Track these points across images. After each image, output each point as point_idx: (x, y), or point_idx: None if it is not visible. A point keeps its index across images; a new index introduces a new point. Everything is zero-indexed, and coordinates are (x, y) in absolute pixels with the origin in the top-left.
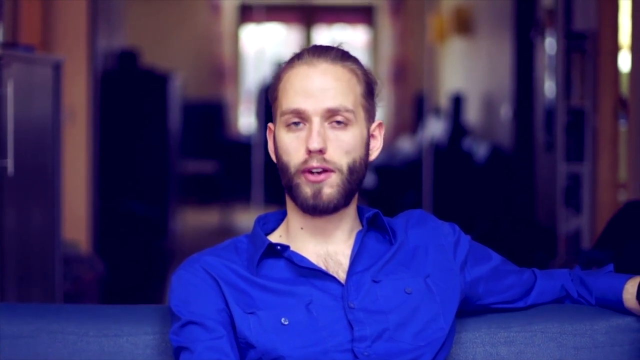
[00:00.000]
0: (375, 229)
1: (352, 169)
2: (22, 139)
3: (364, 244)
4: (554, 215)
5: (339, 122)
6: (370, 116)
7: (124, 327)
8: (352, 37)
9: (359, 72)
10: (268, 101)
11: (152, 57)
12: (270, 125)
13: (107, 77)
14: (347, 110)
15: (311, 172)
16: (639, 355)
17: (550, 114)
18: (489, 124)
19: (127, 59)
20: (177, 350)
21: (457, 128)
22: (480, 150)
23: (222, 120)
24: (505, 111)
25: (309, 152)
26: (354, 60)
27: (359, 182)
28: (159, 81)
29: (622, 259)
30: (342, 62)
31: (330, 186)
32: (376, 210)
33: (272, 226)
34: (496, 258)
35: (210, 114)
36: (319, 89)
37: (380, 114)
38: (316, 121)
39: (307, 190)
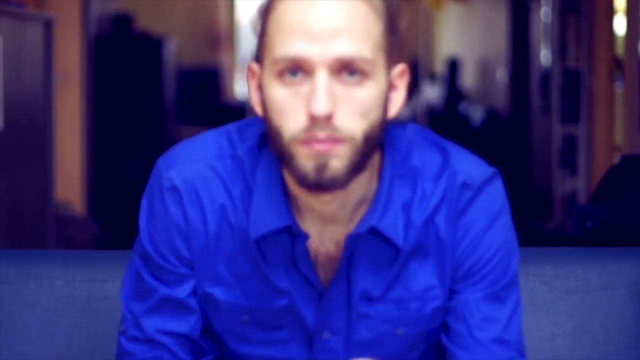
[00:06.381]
0: None
1: (367, 137)
2: (13, 95)
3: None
4: (550, 178)
5: (351, 73)
6: (390, 61)
7: (112, 272)
8: None
9: (378, 4)
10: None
11: (146, 21)
12: (252, 66)
13: (101, 41)
14: (365, 60)
15: (315, 141)
16: (632, 298)
17: (545, 78)
18: (485, 88)
19: (121, 22)
20: None
21: (453, 92)
22: (476, 114)
23: (218, 86)
24: (501, 75)
25: (313, 117)
26: None
27: (375, 148)
28: (153, 45)
29: (618, 214)
30: None
31: (338, 158)
32: None
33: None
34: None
35: (206, 80)
36: (326, 29)
37: None
38: (322, 75)
39: (307, 163)
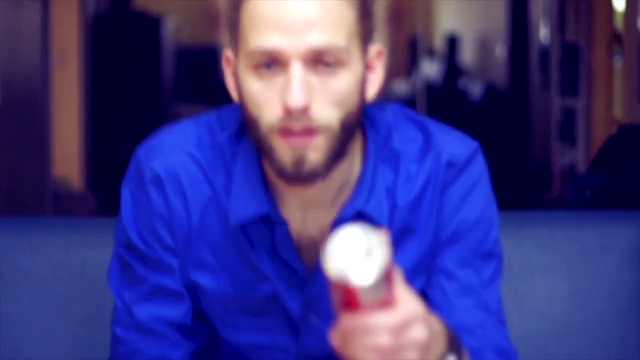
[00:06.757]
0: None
1: (344, 124)
2: (10, 73)
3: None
4: (549, 151)
5: (327, 64)
6: (366, 45)
7: (109, 239)
8: None
9: None
10: None
11: (145, 0)
12: (228, 54)
13: (99, 20)
14: (338, 49)
15: (291, 133)
16: (629, 260)
17: (544, 54)
18: (484, 64)
19: (119, 1)
20: None
21: (452, 68)
22: (475, 89)
23: (217, 65)
24: (500, 51)
25: (288, 110)
26: None
27: (354, 134)
28: (151, 24)
29: (615, 183)
30: None
31: (316, 150)
32: None
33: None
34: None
35: (205, 59)
36: (300, 21)
37: None
38: (296, 67)
39: (285, 156)
